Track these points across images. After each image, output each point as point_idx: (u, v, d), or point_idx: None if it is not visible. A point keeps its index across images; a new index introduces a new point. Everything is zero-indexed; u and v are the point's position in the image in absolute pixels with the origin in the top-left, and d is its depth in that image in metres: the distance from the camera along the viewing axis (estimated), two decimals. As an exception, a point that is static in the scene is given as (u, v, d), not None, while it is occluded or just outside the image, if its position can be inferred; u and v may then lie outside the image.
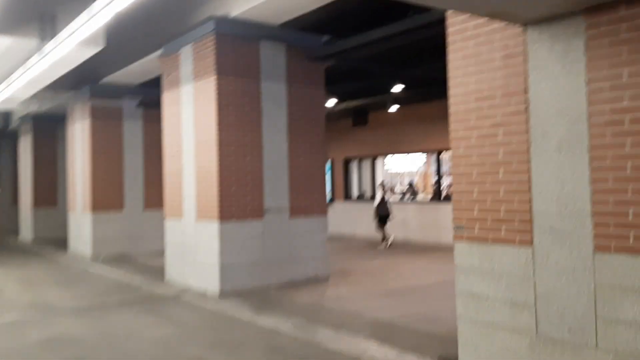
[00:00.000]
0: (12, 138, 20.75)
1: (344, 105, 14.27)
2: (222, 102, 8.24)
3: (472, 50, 4.55)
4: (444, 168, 15.04)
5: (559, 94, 3.98)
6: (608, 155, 3.70)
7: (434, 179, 16.51)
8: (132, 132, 13.32)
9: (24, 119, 17.63)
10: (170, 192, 9.52)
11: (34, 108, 16.11)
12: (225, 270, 8.13)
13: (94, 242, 12.73)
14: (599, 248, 3.75)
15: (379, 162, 17.22)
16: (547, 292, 4.05)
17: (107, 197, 12.92)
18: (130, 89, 12.94)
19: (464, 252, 4.62)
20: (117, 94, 12.94)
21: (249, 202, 8.46)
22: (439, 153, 14.77)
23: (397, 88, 10.67)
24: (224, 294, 8.04)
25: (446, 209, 14.10)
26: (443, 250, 12.89)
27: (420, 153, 15.99)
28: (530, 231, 4.14)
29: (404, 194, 17.66)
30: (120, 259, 12.21)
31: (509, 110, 4.29)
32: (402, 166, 18.14)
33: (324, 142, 9.41)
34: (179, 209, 9.23)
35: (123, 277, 9.99)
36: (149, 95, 12.43)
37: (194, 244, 8.76)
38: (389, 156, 16.93)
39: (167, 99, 9.61)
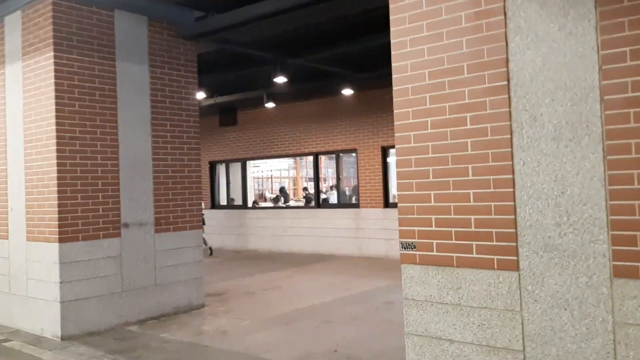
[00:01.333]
0: None
1: (211, 101, 12.63)
2: (63, 84, 6.27)
3: (427, 7, 3.39)
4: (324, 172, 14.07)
5: (555, 65, 2.95)
6: (632, 145, 2.73)
7: (305, 184, 15.55)
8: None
9: None
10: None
11: None
12: (68, 306, 6.17)
13: None
14: (619, 272, 2.77)
15: (249, 166, 15.77)
16: (541, 333, 2.99)
17: None
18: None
19: (417, 279, 3.43)
20: None
21: (101, 215, 6.57)
22: (317, 156, 13.77)
23: (279, 80, 9.41)
24: (67, 337, 6.08)
25: (325, 215, 13.14)
26: (324, 261, 11.86)
27: (295, 157, 14.81)
28: (515, 250, 3.06)
29: (275, 199, 16.43)
30: None
31: (482, 88, 3.18)
32: (270, 170, 16.92)
33: (197, 139, 7.78)
34: (3, 227, 6.99)
35: None
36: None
37: (23, 273, 6.62)
38: (261, 160, 15.56)
39: (-15, 81, 7.31)
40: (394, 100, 3.55)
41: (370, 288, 8.57)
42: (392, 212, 11.87)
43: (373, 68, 9.98)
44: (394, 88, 3.53)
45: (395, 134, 3.53)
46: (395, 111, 3.55)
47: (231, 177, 15.99)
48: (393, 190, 12.31)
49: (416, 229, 3.39)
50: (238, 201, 15.53)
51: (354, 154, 12.95)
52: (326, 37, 8.56)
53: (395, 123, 3.54)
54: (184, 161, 7.56)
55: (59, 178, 6.19)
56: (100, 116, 6.61)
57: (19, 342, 6.07)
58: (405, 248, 3.45)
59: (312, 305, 7.48)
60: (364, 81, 10.87)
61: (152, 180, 7.14)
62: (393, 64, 3.50)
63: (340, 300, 7.78)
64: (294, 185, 16.90)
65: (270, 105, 12.57)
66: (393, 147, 12.06)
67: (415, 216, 3.40)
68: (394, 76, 3.53)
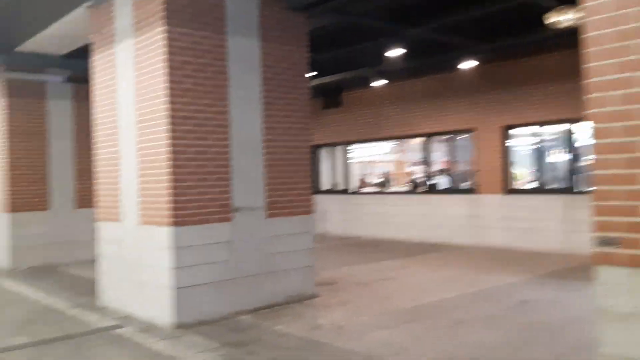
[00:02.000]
0: None
1: (316, 81, 12.13)
2: (174, 61, 5.97)
3: None
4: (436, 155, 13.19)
5: None
6: None
7: (410, 167, 14.72)
8: (60, 113, 10.79)
9: None
10: (104, 187, 7.17)
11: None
12: (180, 293, 5.90)
13: (13, 249, 10.15)
14: None
15: (353, 149, 15.18)
16: None
17: (28, 194, 10.36)
18: (56, 61, 10.39)
19: (621, 285, 2.62)
20: (39, 66, 10.35)
21: (212, 198, 6.24)
22: (428, 137, 12.89)
23: (393, 52, 8.66)
24: (180, 325, 5.82)
25: (435, 201, 12.28)
26: (436, 251, 11.04)
27: (404, 139, 14.00)
28: None
29: (380, 184, 15.75)
30: (45, 271, 9.71)
31: None
32: (374, 154, 16.23)
33: (308, 118, 7.27)
34: (114, 209, 6.89)
35: (46, 298, 7.57)
36: (80, 69, 9.91)
37: (136, 258, 6.46)
38: (366, 144, 14.90)
39: (99, 63, 7.23)
40: (586, 50, 2.74)
41: (498, 284, 7.68)
42: (514, 199, 10.80)
43: (497, 37, 8.96)
44: (587, 34, 2.71)
45: (590, 95, 2.72)
46: (590, 64, 2.73)
47: (333, 162, 15.53)
48: (517, 175, 11.22)
49: (623, 219, 2.58)
50: (341, 186, 15.04)
51: (469, 135, 11.94)
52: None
53: (590, 80, 2.73)
54: (295, 142, 7.08)
55: (170, 159, 5.90)
56: (211, 94, 6.26)
57: (131, 329, 5.89)
58: (603, 244, 2.65)
59: (435, 301, 6.76)
60: (487, 53, 9.85)
61: (263, 163, 6.72)
62: (588, 3, 2.68)
63: (466, 296, 6.99)
64: (398, 169, 16.11)
65: (379, 83, 11.85)
66: (515, 126, 10.92)
67: (622, 203, 2.59)
68: (587, 19, 2.71)
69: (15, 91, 10.30)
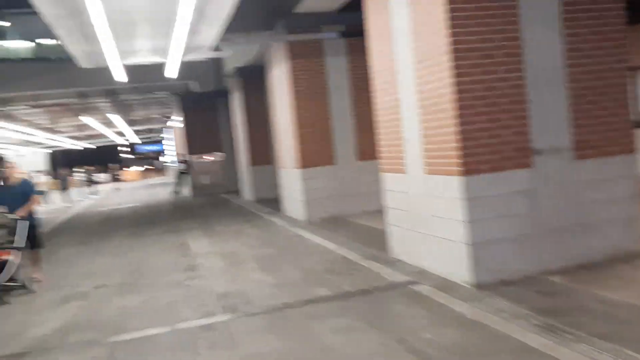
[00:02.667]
0: (227, 97, 20.41)
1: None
2: (454, -14, 5.18)
3: None
4: None
5: None
6: None
7: None
8: (337, 69, 11.00)
9: (232, 75, 16.69)
10: (385, 138, 6.89)
11: (239, 62, 14.99)
12: (477, 249, 5.26)
13: (307, 202, 10.90)
14: None
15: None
16: None
17: (316, 150, 10.93)
18: (330, 17, 10.56)
19: None
20: (315, 24, 10.65)
21: (506, 141, 5.37)
22: None
23: None
24: (479, 285, 5.21)
25: None
26: None
27: None
28: None
29: None
30: (335, 222, 10.15)
31: None
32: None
33: (622, 32, 5.74)
34: (398, 160, 6.55)
35: (339, 248, 7.81)
36: (353, 22, 9.83)
37: (424, 210, 6.03)
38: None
39: (371, 8, 6.87)
40: None
41: None
42: None
43: None
44: None
45: None
46: None
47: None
48: None
49: None
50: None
51: None
52: None
53: None
54: (606, 65, 5.67)
55: (456, 100, 5.21)
56: (497, 18, 5.32)
57: (428, 286, 5.50)
58: None
59: None
60: None
61: (566, 93, 5.53)
62: None
63: None
64: None
65: None
66: None
67: None
68: None
69: (296, 53, 10.82)
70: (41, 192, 19.36)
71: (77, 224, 15.59)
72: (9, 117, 22.07)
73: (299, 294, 5.78)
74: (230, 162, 20.66)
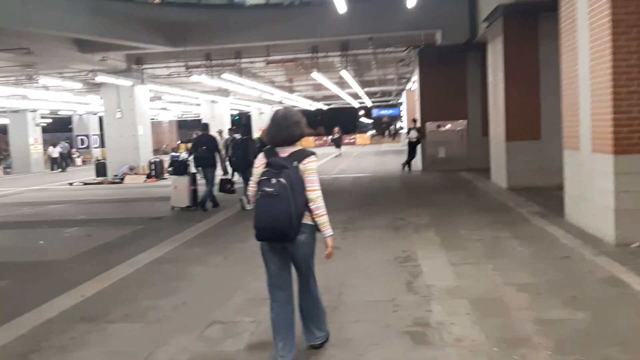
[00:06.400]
0: (479, 51, 15.89)
1: None
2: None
3: None
4: None
5: None
6: None
7: None
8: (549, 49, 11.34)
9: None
10: (566, 111, 7.98)
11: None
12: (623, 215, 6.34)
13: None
14: None
15: None
16: None
17: (521, 126, 11.88)
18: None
19: None
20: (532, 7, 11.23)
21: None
22: None
23: None
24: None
25: None
26: None
27: None
28: None
29: None
30: (535, 193, 10.91)
31: None
32: None
33: None
34: (574, 137, 7.65)
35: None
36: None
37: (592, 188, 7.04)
38: None
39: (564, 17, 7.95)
40: None
41: None
42: None
43: None
44: None
45: None
46: None
47: None
48: None
49: None
50: None
51: None
52: None
53: None
54: None
55: (612, 92, 6.26)
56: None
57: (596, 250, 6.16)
58: None
59: None
60: None
61: None
62: None
63: None
64: None
65: None
66: None
67: None
68: None
69: (511, 37, 11.79)
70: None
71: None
72: (246, 73, 21.78)
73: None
74: (477, 133, 17.30)
